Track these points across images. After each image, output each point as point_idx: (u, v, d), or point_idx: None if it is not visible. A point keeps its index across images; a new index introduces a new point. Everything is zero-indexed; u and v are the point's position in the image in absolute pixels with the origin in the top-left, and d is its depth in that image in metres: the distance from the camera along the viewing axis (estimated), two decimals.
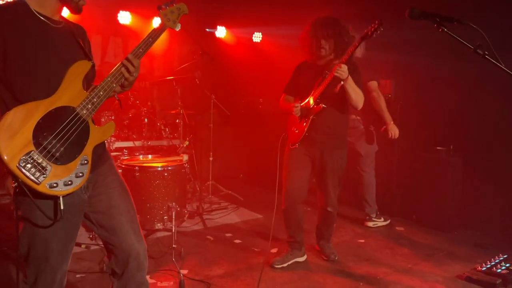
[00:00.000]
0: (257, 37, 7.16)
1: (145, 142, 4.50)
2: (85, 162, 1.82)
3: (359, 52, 4.42)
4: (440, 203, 4.66)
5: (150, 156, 4.11)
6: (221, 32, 6.84)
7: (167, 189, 3.65)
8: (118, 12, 5.63)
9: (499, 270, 3.36)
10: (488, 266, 3.46)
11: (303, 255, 3.67)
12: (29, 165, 1.64)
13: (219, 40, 6.89)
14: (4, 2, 1.89)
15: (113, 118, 4.51)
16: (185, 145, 4.58)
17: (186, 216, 3.95)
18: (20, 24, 1.76)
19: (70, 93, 1.81)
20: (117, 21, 5.64)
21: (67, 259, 1.93)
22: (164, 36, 6.08)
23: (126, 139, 4.60)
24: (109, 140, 4.35)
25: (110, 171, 2.07)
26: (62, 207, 1.74)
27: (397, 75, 4.96)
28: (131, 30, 5.83)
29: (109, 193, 2.02)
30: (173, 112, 4.86)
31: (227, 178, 6.41)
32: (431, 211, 4.72)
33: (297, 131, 3.39)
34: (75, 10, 1.93)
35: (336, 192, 3.56)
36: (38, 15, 1.82)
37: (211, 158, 5.50)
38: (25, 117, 1.67)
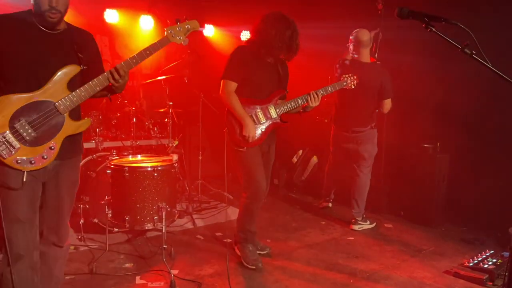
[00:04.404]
0: (245, 35, 7.13)
1: (133, 142, 4.46)
2: (53, 148, 2.18)
3: (367, 57, 4.44)
4: (427, 200, 4.73)
5: (139, 156, 4.08)
6: (209, 30, 6.80)
7: (157, 189, 3.62)
8: (104, 10, 5.57)
9: (486, 266, 3.42)
10: (476, 261, 3.52)
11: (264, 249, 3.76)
12: (1, 143, 2.05)
13: (207, 38, 6.86)
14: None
15: (100, 118, 4.47)
16: (174, 145, 4.56)
17: (177, 216, 3.93)
18: (17, 31, 2.12)
19: (53, 90, 2.15)
20: (104, 19, 5.57)
21: (35, 216, 2.26)
22: (151, 35, 6.09)
23: (115, 139, 4.55)
24: (97, 140, 4.31)
25: (74, 169, 2.42)
26: (24, 179, 2.12)
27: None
28: (118, 28, 5.77)
29: (64, 186, 2.35)
30: (162, 110, 4.83)
31: (217, 177, 6.40)
32: (419, 207, 4.78)
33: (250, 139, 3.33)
34: (44, 21, 2.14)
35: None
36: (37, 23, 2.16)
37: (200, 157, 5.48)
38: (8, 105, 2.07)
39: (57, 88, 2.16)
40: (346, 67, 4.39)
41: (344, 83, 3.51)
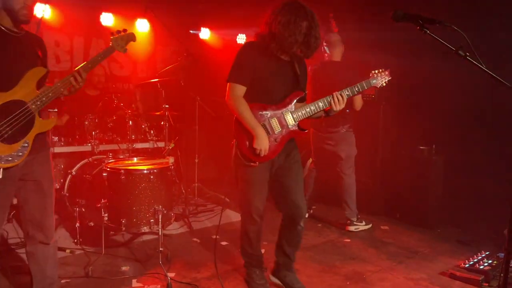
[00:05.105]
0: (241, 38, 7.16)
1: (130, 145, 4.46)
2: (26, 145, 2.34)
3: (338, 56, 4.48)
4: (423, 201, 4.75)
5: (135, 159, 4.08)
6: (205, 33, 6.82)
7: (153, 192, 3.61)
8: (100, 13, 5.57)
9: (481, 267, 3.43)
10: (471, 262, 3.53)
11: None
12: None
13: (203, 41, 6.88)
14: None
15: (97, 121, 4.46)
16: (170, 147, 4.56)
17: (173, 219, 3.92)
18: None
19: (25, 90, 2.32)
20: (100, 22, 5.57)
21: (3, 216, 2.40)
22: (147, 38, 6.10)
23: (111, 142, 4.54)
24: (93, 143, 4.30)
25: (46, 162, 2.53)
26: (0, 176, 2.24)
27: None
28: (114, 32, 5.77)
29: (40, 179, 2.48)
30: (158, 113, 4.83)
31: (213, 180, 6.39)
32: (415, 209, 4.80)
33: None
34: (17, 20, 2.32)
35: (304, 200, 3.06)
36: (1, 26, 2.31)
37: (196, 160, 5.49)
38: None
39: (28, 88, 2.33)
40: (316, 68, 4.45)
41: (374, 81, 2.91)
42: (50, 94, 2.38)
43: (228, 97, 2.81)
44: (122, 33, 2.68)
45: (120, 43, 2.67)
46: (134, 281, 3.22)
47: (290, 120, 2.82)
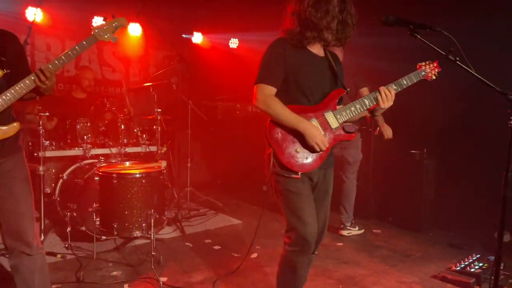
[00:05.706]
0: (233, 43, 7.20)
1: (122, 149, 4.44)
2: None
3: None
4: (415, 205, 4.78)
5: (127, 163, 4.06)
6: (197, 38, 6.84)
7: (145, 196, 3.60)
8: (92, 17, 5.57)
9: (472, 270, 3.46)
10: (462, 265, 3.56)
11: None
12: None
13: (195, 45, 6.89)
14: None
15: (89, 125, 4.44)
16: (163, 151, 4.55)
17: (165, 223, 3.90)
18: None
19: None
20: (92, 26, 5.57)
21: None
22: (139, 42, 6.09)
23: (102, 146, 4.53)
24: (85, 148, 4.28)
25: (18, 165, 2.33)
26: None
27: (372, 81, 5.07)
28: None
29: (11, 183, 2.28)
30: (150, 117, 4.82)
31: (205, 184, 6.39)
32: (407, 213, 4.83)
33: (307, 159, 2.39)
34: None
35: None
36: None
37: (189, 164, 5.48)
38: None
39: None
40: None
41: (423, 73, 2.56)
42: (8, 98, 2.16)
43: (257, 100, 2.38)
44: (108, 20, 2.44)
45: (105, 32, 2.40)
46: (126, 285, 3.20)
47: (333, 121, 2.40)
